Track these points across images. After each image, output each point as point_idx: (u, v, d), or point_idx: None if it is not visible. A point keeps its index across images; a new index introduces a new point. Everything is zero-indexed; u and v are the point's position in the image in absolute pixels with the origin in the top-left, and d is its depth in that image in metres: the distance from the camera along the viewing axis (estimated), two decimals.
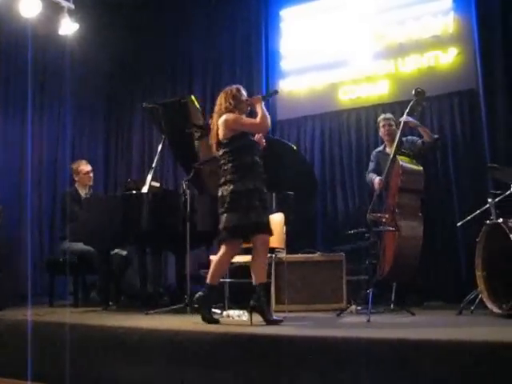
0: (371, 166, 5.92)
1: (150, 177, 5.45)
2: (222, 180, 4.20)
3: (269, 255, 4.53)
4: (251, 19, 7.66)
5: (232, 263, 5.10)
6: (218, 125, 4.28)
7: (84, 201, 5.86)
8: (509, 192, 4.52)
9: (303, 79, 7.13)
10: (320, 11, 7.21)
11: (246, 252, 5.22)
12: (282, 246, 4.69)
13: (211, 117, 4.44)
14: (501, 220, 4.28)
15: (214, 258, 4.28)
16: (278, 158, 5.64)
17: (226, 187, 4.14)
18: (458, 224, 5.09)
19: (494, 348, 2.75)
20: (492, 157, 5.73)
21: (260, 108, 4.32)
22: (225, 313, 4.54)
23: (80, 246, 5.84)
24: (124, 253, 6.09)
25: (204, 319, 4.04)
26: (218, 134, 4.27)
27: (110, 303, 5.62)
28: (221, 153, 4.28)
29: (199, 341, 3.50)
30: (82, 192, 6.30)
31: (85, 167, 6.42)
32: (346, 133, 6.87)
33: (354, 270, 5.52)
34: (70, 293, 6.11)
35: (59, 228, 6.84)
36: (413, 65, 6.53)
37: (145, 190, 5.35)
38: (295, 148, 6.24)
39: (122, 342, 3.74)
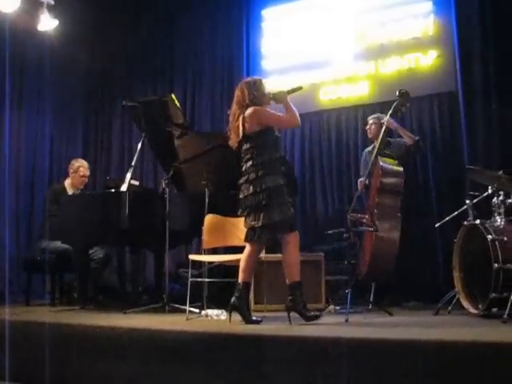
0: (362, 170, 5.87)
1: (129, 175, 5.41)
2: (253, 175, 4.04)
3: None
4: (233, 18, 7.66)
5: (211, 262, 5.11)
6: (243, 117, 4.12)
7: (63, 198, 5.80)
8: (486, 194, 4.56)
9: (284, 79, 7.11)
10: (301, 11, 7.22)
11: (225, 251, 5.23)
12: None
13: (229, 108, 4.31)
14: (478, 221, 4.32)
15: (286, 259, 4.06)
16: None
17: (261, 182, 4.00)
18: (437, 225, 5.13)
19: (470, 347, 2.77)
20: (471, 159, 5.78)
21: (288, 103, 4.22)
22: (203, 312, 4.54)
23: (58, 244, 5.79)
24: (103, 252, 6.04)
25: (308, 320, 3.93)
26: (243, 127, 4.12)
27: (88, 302, 5.58)
28: (247, 147, 4.13)
29: (177, 340, 3.49)
30: (70, 191, 6.22)
31: (84, 170, 6.35)
32: (326, 133, 6.89)
33: (333, 270, 5.54)
34: (47, 292, 6.06)
35: (39, 226, 6.79)
36: (393, 66, 6.57)
37: (124, 188, 5.31)
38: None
39: (100, 341, 3.71)
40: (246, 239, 4.13)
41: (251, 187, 4.04)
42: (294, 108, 4.23)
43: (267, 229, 4.01)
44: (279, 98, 4.26)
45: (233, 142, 4.26)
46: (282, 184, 4.06)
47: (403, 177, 5.29)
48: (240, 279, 4.10)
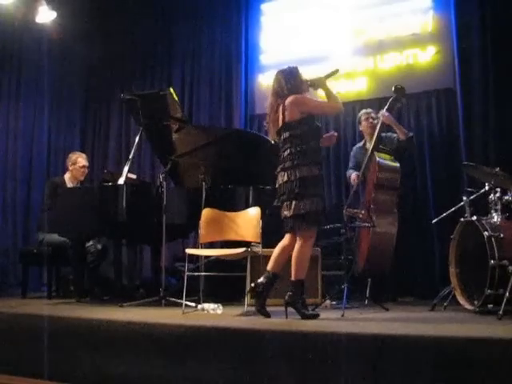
0: (351, 163, 5.91)
1: (126, 168, 5.41)
2: (289, 164, 3.99)
3: (243, 249, 4.52)
4: (232, 12, 7.64)
5: (207, 257, 5.11)
6: (283, 106, 4.05)
7: (60, 191, 5.80)
8: (483, 190, 4.57)
9: None
10: (300, 6, 7.21)
11: (222, 246, 5.24)
12: (258, 240, 4.68)
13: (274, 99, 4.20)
14: (475, 218, 4.33)
15: (293, 253, 4.00)
16: (256, 152, 5.64)
17: (295, 172, 3.95)
18: (433, 221, 5.14)
19: (465, 343, 2.79)
20: (468, 155, 5.78)
21: (328, 88, 4.15)
22: (199, 306, 4.54)
23: (55, 236, 5.79)
24: (99, 245, 6.04)
25: (304, 317, 3.88)
26: (283, 116, 4.05)
27: (84, 295, 5.58)
28: (286, 135, 4.05)
29: (173, 334, 3.49)
30: (69, 184, 6.20)
31: (83, 161, 6.33)
32: (323, 128, 6.84)
33: (329, 266, 5.54)
34: (44, 284, 6.06)
35: (36, 218, 6.79)
36: (391, 62, 6.57)
37: (121, 181, 5.31)
38: (273, 142, 6.21)
39: (96, 335, 3.71)
40: (284, 231, 4.09)
41: (285, 175, 4.00)
42: (335, 92, 4.16)
43: (299, 219, 3.95)
44: (318, 83, 4.21)
45: (271, 134, 4.24)
46: (316, 175, 3.99)
47: (399, 172, 5.30)
48: (268, 267, 4.07)
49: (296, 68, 4.22)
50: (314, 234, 4.03)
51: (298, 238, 4.00)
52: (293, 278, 3.98)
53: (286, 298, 3.99)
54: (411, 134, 5.69)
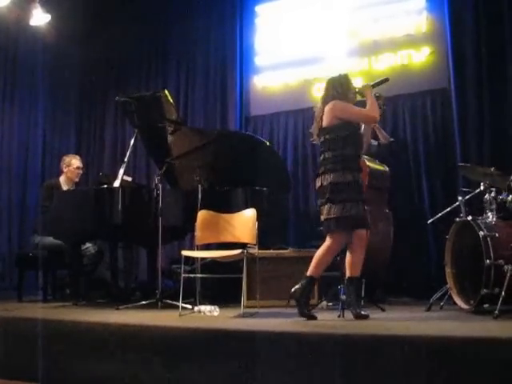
0: None
1: (122, 171, 5.40)
2: (322, 169, 4.10)
3: (239, 251, 4.52)
4: (226, 14, 7.65)
5: (204, 258, 5.10)
6: (322, 111, 4.16)
7: (55, 194, 5.78)
8: (478, 190, 4.58)
9: (277, 75, 7.14)
10: (295, 7, 7.23)
11: (218, 247, 5.23)
12: (254, 241, 4.68)
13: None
14: (470, 217, 4.34)
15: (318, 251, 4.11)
16: (252, 154, 5.64)
17: (326, 177, 4.04)
18: (429, 221, 5.16)
19: (461, 343, 2.79)
20: (463, 155, 5.80)
21: (370, 97, 4.19)
22: (196, 308, 4.54)
23: (51, 240, 5.78)
24: (95, 247, 6.03)
25: (302, 315, 3.95)
26: (321, 120, 4.16)
27: (81, 298, 5.57)
28: (322, 139, 4.16)
29: (170, 336, 3.49)
30: (65, 186, 6.20)
31: (77, 162, 6.33)
32: None
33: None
34: (40, 288, 6.05)
35: (32, 221, 6.77)
36: (386, 63, 6.59)
37: (117, 184, 5.30)
38: (268, 144, 6.23)
39: (93, 338, 3.70)
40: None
41: (319, 181, 4.12)
42: (376, 103, 4.21)
43: (329, 223, 4.04)
44: (364, 91, 4.26)
45: (314, 136, 4.31)
46: (350, 181, 4.01)
47: (389, 174, 5.43)
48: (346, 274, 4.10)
49: (346, 75, 4.31)
50: (343, 238, 4.07)
51: (327, 239, 4.08)
52: (308, 274, 4.06)
53: (293, 290, 4.02)
54: (392, 139, 5.75)
